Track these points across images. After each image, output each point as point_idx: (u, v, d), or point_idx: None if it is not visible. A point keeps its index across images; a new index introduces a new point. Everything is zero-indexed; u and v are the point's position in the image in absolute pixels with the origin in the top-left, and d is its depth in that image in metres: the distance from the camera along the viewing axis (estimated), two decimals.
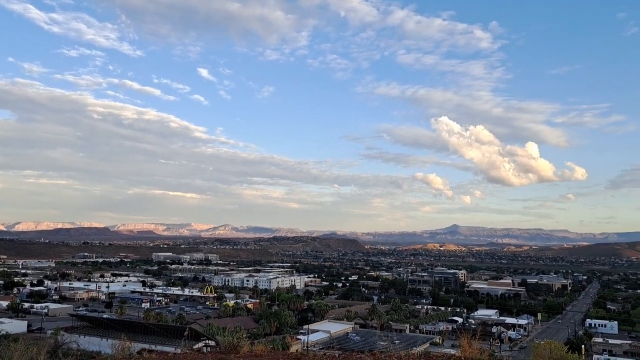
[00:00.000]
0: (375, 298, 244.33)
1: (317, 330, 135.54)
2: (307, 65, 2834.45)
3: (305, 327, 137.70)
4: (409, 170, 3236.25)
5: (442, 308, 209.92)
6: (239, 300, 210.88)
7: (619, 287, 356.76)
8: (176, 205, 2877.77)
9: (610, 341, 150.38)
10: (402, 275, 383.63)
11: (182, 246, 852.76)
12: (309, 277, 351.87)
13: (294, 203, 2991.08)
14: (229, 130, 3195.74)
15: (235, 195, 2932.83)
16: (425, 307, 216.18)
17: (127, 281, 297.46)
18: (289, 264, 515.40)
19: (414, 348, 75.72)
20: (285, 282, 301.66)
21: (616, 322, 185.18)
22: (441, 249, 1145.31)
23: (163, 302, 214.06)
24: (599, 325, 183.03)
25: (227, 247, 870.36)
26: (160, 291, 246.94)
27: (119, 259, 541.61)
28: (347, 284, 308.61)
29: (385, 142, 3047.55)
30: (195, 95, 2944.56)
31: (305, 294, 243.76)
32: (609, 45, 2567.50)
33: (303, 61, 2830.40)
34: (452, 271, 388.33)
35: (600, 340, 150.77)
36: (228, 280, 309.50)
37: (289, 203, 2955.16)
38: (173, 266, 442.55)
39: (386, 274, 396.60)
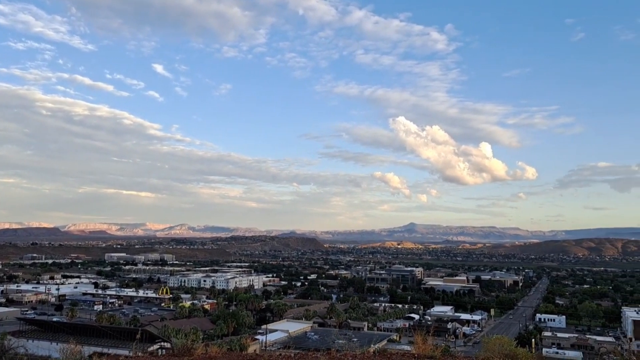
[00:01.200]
0: (334, 297, 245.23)
1: (276, 330, 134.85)
2: (266, 63, 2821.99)
3: (263, 327, 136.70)
4: (367, 169, 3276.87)
5: (400, 305, 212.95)
6: (196, 301, 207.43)
7: (566, 282, 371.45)
8: (130, 204, 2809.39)
9: (559, 335, 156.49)
10: (360, 273, 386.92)
11: (137, 246, 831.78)
12: (267, 277, 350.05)
13: (253, 202, 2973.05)
14: (185, 128, 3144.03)
15: (191, 194, 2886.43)
16: (383, 304, 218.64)
17: (78, 283, 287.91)
18: (247, 264, 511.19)
19: (372, 346, 76.22)
20: (243, 282, 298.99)
21: (564, 317, 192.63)
22: (399, 247, 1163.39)
23: (116, 304, 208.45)
24: (548, 319, 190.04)
25: (183, 247, 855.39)
26: (114, 293, 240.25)
27: (69, 260, 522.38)
28: (306, 283, 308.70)
29: (345, 141, 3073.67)
30: (150, 91, 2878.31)
31: (264, 294, 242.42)
32: (557, 50, 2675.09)
33: (261, 59, 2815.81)
34: (409, 269, 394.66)
35: (549, 334, 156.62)
36: (184, 281, 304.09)
37: (247, 202, 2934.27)
38: (127, 267, 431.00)
39: (345, 272, 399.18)
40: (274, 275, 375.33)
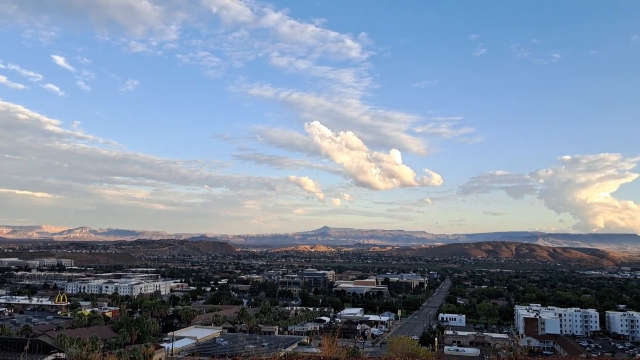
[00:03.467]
0: (245, 301, 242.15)
1: (183, 337, 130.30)
2: (177, 60, 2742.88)
3: (170, 334, 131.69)
4: (282, 173, 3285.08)
5: (311, 308, 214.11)
6: (96, 309, 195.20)
7: (467, 283, 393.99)
8: (24, 205, 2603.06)
9: (459, 333, 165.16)
10: (273, 277, 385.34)
11: (31, 251, 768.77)
12: (175, 282, 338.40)
13: (161, 204, 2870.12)
14: (88, 125, 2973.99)
15: (94, 196, 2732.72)
16: (295, 308, 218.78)
17: None
18: (153, 269, 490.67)
19: (282, 349, 75.53)
20: (149, 287, 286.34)
21: (464, 316, 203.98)
22: (312, 250, 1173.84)
23: (6, 313, 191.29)
24: (449, 318, 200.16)
25: (83, 251, 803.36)
26: (4, 301, 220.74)
27: None
28: (217, 288, 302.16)
29: (259, 143, 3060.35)
30: (49, 84, 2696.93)
31: (171, 300, 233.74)
32: (462, 63, 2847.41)
33: (172, 56, 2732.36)
34: (321, 272, 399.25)
35: (450, 332, 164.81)
36: (84, 287, 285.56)
37: (155, 204, 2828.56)
38: (19, 273, 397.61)
39: (257, 276, 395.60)
40: (183, 280, 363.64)
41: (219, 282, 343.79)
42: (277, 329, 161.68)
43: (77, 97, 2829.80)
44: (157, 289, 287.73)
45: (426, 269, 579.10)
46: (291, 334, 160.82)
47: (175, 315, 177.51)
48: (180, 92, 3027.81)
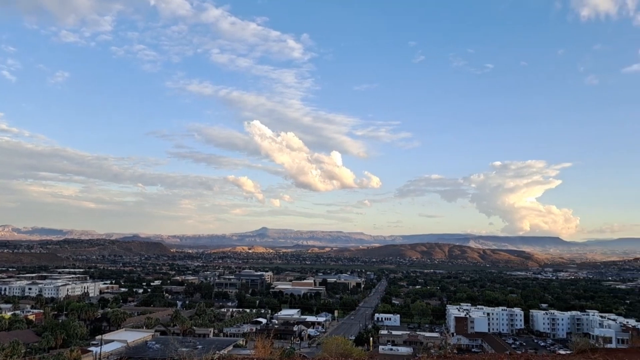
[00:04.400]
0: (180, 303, 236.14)
1: (112, 341, 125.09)
2: (111, 52, 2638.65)
3: (98, 337, 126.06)
4: (220, 172, 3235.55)
5: (248, 310, 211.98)
6: (19, 312, 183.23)
7: (402, 283, 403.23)
8: None
9: (394, 332, 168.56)
10: (209, 278, 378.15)
11: None
12: (105, 284, 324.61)
13: (91, 202, 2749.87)
14: (12, 117, 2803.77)
15: (18, 192, 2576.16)
16: (231, 309, 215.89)
17: None
18: (82, 270, 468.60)
19: (216, 352, 73.79)
20: (76, 289, 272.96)
21: (399, 315, 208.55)
22: (250, 251, 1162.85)
23: None
24: (385, 318, 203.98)
25: (5, 250, 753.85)
26: None
27: None
28: (149, 290, 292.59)
29: (197, 141, 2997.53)
30: None
31: (100, 302, 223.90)
32: (401, 69, 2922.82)
33: (106, 48, 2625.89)
34: (259, 273, 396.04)
35: (385, 332, 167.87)
36: (5, 289, 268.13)
37: (85, 202, 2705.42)
38: None
39: (192, 278, 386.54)
40: (113, 281, 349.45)
41: (151, 284, 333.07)
42: (212, 331, 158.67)
43: (0, 87, 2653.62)
44: (86, 291, 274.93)
45: (363, 270, 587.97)
46: (227, 336, 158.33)
47: (105, 318, 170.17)
48: (114, 86, 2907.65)
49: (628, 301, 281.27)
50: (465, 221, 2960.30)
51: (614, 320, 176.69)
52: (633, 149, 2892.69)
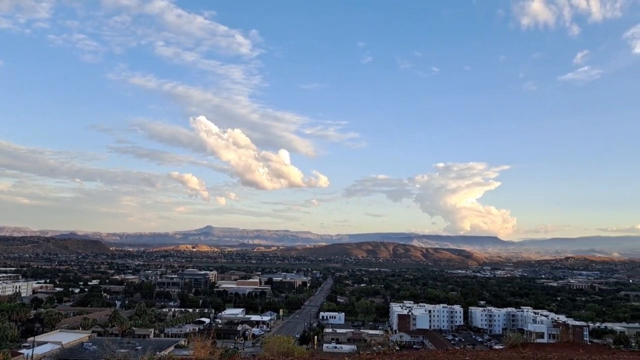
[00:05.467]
0: (119, 303, 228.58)
1: (46, 342, 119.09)
2: (48, 41, 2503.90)
3: (30, 339, 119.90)
4: (164, 168, 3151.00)
5: (191, 310, 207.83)
6: None
7: (347, 282, 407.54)
8: None
9: (338, 330, 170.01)
10: (150, 278, 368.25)
11: None
12: (38, 283, 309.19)
13: (24, 198, 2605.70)
14: None
15: None
16: (173, 309, 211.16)
17: None
18: (13, 268, 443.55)
19: (156, 353, 71.68)
20: (7, 289, 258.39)
21: (343, 314, 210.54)
22: (194, 250, 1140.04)
23: None
24: (330, 317, 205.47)
25: None
26: None
27: None
28: (86, 290, 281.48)
29: (139, 136, 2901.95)
30: None
31: (33, 302, 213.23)
32: (350, 69, 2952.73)
33: (43, 36, 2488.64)
34: (203, 272, 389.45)
35: (330, 330, 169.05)
36: None
37: (17, 197, 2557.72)
38: None
39: (133, 277, 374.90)
40: (48, 281, 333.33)
41: (89, 283, 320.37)
42: (152, 331, 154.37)
43: None
44: (17, 291, 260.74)
45: (310, 269, 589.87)
46: (168, 336, 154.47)
47: (38, 319, 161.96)
48: (51, 76, 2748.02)
49: (559, 298, 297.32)
50: (409, 221, 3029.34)
51: (546, 316, 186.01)
52: (566, 154, 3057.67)
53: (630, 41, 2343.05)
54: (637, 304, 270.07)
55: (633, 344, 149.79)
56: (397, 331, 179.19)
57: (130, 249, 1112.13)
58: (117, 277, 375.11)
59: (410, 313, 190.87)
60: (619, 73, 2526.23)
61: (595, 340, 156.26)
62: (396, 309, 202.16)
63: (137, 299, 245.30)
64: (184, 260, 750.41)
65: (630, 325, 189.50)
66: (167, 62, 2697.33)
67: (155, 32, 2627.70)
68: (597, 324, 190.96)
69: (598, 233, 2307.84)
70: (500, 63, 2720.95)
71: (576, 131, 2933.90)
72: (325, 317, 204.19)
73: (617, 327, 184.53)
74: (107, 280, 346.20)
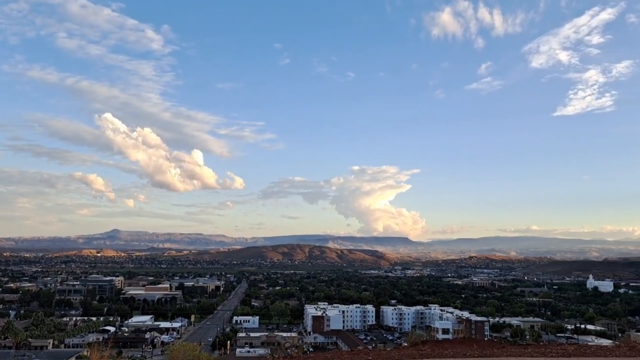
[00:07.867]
0: (13, 313, 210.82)
1: None
2: None
3: None
4: (65, 168, 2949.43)
5: (94, 318, 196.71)
6: None
7: (262, 285, 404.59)
8: None
9: (252, 334, 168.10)
10: (49, 285, 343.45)
11: None
12: None
13: None
14: None
15: None
16: (75, 318, 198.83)
17: None
18: None
19: None
20: None
21: (257, 317, 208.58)
22: (98, 255, 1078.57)
23: None
24: (243, 321, 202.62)
25: None
26: None
27: None
28: None
29: (38, 133, 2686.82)
30: None
31: None
32: (267, 70, 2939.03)
33: None
34: (108, 278, 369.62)
35: (243, 334, 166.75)
36: None
37: None
38: None
39: (29, 285, 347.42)
40: None
41: None
42: (51, 342, 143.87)
43: None
44: None
45: (224, 273, 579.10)
46: (69, 347, 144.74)
47: None
48: None
49: (463, 295, 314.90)
50: (325, 222, 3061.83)
51: (451, 313, 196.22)
52: (471, 158, 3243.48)
53: (528, 55, 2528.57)
54: (531, 299, 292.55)
55: (527, 337, 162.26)
56: (312, 332, 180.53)
57: (27, 255, 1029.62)
58: (12, 285, 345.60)
59: (324, 314, 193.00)
60: (518, 84, 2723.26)
61: (495, 334, 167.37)
62: (310, 310, 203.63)
63: (34, 308, 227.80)
64: (87, 266, 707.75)
65: (526, 319, 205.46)
66: (70, 55, 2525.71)
67: (57, 23, 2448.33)
68: (497, 319, 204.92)
69: (498, 233, 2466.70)
70: (413, 71, 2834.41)
71: (480, 138, 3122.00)
72: (239, 322, 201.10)
73: (514, 321, 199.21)
74: (0, 289, 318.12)
